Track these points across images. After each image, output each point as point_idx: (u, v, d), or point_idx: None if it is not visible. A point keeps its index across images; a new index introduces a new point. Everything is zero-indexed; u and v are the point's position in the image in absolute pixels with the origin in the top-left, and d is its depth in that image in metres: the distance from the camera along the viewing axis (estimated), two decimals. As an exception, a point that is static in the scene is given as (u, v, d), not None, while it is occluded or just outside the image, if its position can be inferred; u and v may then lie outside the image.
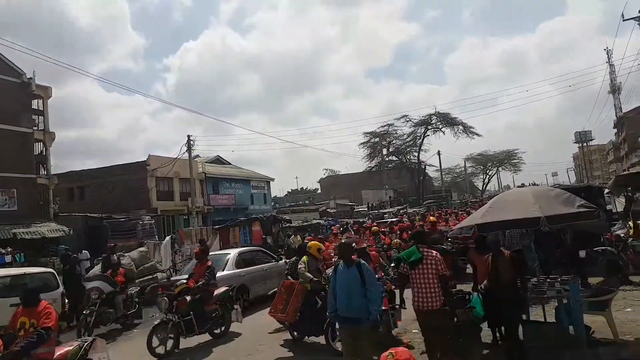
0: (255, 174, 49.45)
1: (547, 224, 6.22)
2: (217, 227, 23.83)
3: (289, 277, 8.98)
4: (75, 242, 22.99)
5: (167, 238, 19.21)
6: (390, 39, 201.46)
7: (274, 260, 13.75)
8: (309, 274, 8.00)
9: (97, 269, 15.06)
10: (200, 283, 9.23)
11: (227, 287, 9.93)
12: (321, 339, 8.07)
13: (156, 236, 23.19)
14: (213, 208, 38.27)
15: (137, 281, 15.00)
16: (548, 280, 6.87)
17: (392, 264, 9.49)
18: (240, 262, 12.68)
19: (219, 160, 46.68)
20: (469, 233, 7.24)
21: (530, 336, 6.74)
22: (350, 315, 5.50)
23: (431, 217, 16.39)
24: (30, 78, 25.09)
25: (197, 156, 39.52)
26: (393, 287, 8.25)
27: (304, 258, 8.38)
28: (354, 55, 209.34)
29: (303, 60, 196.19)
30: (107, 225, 24.60)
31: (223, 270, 11.70)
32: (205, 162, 41.66)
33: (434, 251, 6.06)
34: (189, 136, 30.65)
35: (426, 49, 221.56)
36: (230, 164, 48.58)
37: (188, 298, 8.93)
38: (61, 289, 11.73)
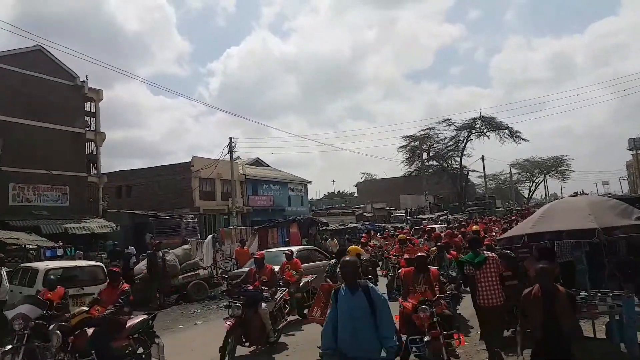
0: (292, 177, 49.85)
1: (603, 235, 6.02)
2: (256, 227, 24.24)
3: (328, 280, 9.00)
4: (122, 238, 23.83)
5: (209, 237, 19.64)
6: (432, 40, 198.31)
7: (327, 259, 14.05)
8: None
9: (142, 264, 15.62)
10: (107, 312, 6.94)
11: (145, 317, 7.54)
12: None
13: (198, 234, 23.71)
14: (252, 209, 38.88)
15: (180, 277, 15.47)
16: (599, 294, 6.63)
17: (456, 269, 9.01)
18: (300, 258, 12.92)
19: (258, 162, 47.34)
20: (519, 243, 7.02)
21: (578, 353, 6.52)
22: (356, 356, 4.23)
23: (474, 226, 15.83)
24: (84, 81, 26.13)
25: (238, 158, 40.20)
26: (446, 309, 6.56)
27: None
28: (394, 57, 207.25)
29: (341, 62, 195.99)
30: (153, 222, 25.34)
31: None
32: (245, 164, 42.35)
33: (494, 254, 6.96)
34: (230, 138, 31.22)
35: (469, 50, 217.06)
36: (269, 166, 49.19)
37: (89, 332, 6.65)
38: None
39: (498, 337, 6.46)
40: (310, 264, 13.38)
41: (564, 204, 7.90)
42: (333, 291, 4.48)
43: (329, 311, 4.56)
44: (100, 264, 13.36)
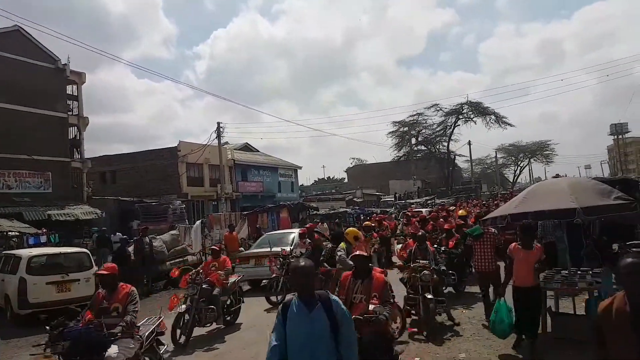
0: (282, 162, 49.73)
1: (583, 215, 6.11)
2: (245, 212, 24.20)
3: (325, 264, 9.03)
4: (107, 224, 23.65)
5: (198, 222, 19.55)
6: (423, 25, 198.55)
7: (327, 241, 14.13)
8: (350, 261, 8.09)
9: (129, 250, 15.53)
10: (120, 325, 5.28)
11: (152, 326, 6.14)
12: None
13: (186, 220, 23.62)
14: (241, 194, 38.69)
15: (168, 263, 15.40)
16: (579, 272, 6.74)
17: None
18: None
19: (247, 148, 47.06)
20: (502, 223, 7.16)
21: (558, 328, 6.66)
22: None
23: (460, 211, 15.75)
24: (65, 64, 25.65)
25: (227, 143, 39.99)
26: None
27: (342, 245, 8.60)
28: (386, 43, 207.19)
29: (333, 48, 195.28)
30: (139, 208, 25.17)
31: (291, 245, 13.33)
32: (234, 149, 42.08)
33: (492, 228, 7.89)
34: (218, 123, 30.98)
35: (459, 35, 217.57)
36: (258, 151, 48.98)
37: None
38: (95, 268, 12.13)
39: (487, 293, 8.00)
40: None
41: (546, 186, 8.02)
42: (281, 306, 3.39)
43: (271, 334, 3.38)
44: (85, 250, 13.24)
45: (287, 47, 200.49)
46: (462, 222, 12.22)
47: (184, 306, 8.11)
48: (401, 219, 17.21)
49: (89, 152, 29.41)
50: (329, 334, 3.21)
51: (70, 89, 27.38)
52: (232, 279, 9.50)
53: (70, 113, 26.72)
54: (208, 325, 8.67)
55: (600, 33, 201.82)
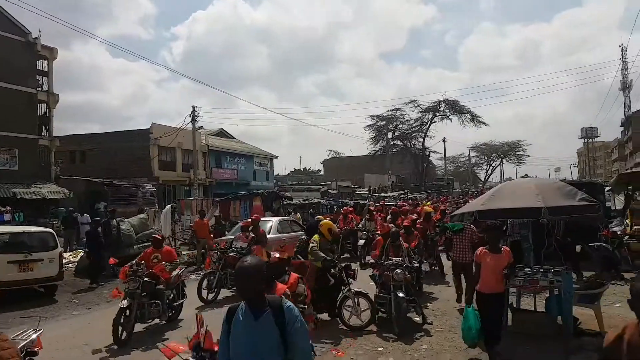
0: (259, 150, 49.37)
1: (548, 214, 6.25)
2: (217, 199, 23.95)
3: (299, 256, 8.96)
4: (75, 205, 23.14)
5: (168, 207, 19.25)
6: (406, 20, 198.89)
7: (303, 230, 14.35)
8: (321, 253, 8.13)
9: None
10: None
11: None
12: (323, 315, 8.25)
13: (156, 204, 23.27)
14: (215, 181, 38.31)
15: (135, 247, 15.17)
16: (542, 270, 6.91)
17: (439, 231, 11.56)
18: (280, 228, 15.06)
19: (222, 134, 46.49)
20: (469, 219, 7.28)
21: (519, 323, 6.84)
22: None
23: (425, 207, 15.39)
24: (36, 38, 24.87)
25: (201, 128, 39.42)
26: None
27: (316, 237, 8.49)
28: (368, 35, 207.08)
29: (315, 37, 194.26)
30: (108, 190, 24.70)
31: (269, 233, 13.48)
32: (209, 135, 41.56)
33: (471, 225, 8.43)
34: (193, 107, 30.47)
35: (441, 32, 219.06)
36: (234, 138, 48.46)
37: None
38: (59, 249, 11.87)
39: (467, 284, 8.48)
40: (291, 233, 14.92)
41: (513, 185, 8.18)
42: (226, 313, 2.94)
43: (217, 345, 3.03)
44: (50, 230, 12.93)
45: (268, 33, 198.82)
46: (416, 217, 12.19)
47: (125, 301, 7.48)
48: (366, 215, 17.08)
49: (58, 131, 28.74)
50: (278, 344, 2.77)
51: (40, 65, 26.62)
52: (176, 271, 8.82)
53: (39, 89, 25.98)
54: (149, 321, 8.08)
55: (577, 38, 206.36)
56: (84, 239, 15.83)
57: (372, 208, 18.91)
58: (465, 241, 8.80)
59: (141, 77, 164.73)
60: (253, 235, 10.75)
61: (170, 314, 8.60)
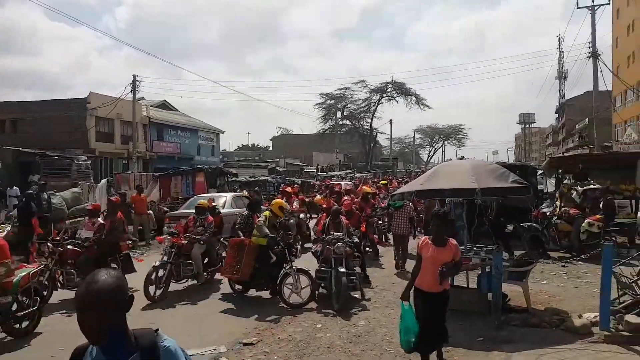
0: (204, 124, 48.11)
1: (481, 195, 6.46)
2: (157, 174, 23.22)
3: (240, 233, 8.84)
4: (3, 177, 21.77)
5: (103, 181, 18.52)
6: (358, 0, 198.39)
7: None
8: (266, 229, 8.08)
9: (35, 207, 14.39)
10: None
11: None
12: (263, 293, 8.27)
13: (92, 178, 22.26)
14: (156, 155, 37.13)
15: (67, 222, 14.53)
16: (474, 248, 7.16)
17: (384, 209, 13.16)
18: (234, 204, 15.45)
19: (165, 106, 44.79)
20: (409, 198, 7.45)
21: (452, 300, 7.06)
22: None
23: (364, 187, 15.67)
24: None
25: (142, 98, 38.00)
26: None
27: (266, 213, 8.58)
28: (321, 12, 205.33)
29: (267, 10, 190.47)
30: (40, 161, 23.36)
31: (223, 208, 14.04)
32: (151, 106, 40.05)
33: (410, 203, 9.89)
34: (134, 76, 29.31)
35: (392, 14, 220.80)
36: (177, 110, 46.95)
37: None
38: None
39: (403, 250, 10.37)
40: (244, 209, 14.67)
41: (450, 166, 8.44)
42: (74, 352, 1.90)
43: None
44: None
45: (218, 2, 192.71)
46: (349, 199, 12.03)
47: None
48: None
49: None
50: None
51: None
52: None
53: (-37, 51, 24.00)
54: None
55: (520, 26, 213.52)
56: (11, 214, 14.93)
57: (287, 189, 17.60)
58: (404, 216, 10.36)
59: (82, 44, 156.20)
60: (102, 222, 8.89)
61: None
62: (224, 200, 15.21)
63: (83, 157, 23.57)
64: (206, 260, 9.26)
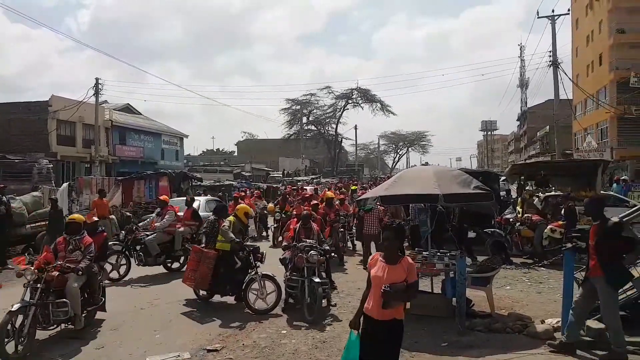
0: (168, 128, 47.46)
1: (444, 201, 6.57)
2: (120, 178, 22.72)
3: (205, 236, 8.73)
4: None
5: (65, 185, 18.00)
6: (325, 4, 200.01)
7: None
8: (231, 234, 7.97)
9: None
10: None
11: None
12: (228, 299, 8.18)
13: (53, 182, 21.61)
14: (119, 159, 36.47)
15: (28, 226, 14.07)
16: (438, 253, 7.27)
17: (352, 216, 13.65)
18: (208, 207, 15.47)
19: (128, 109, 43.99)
20: (373, 203, 7.51)
21: (417, 306, 7.15)
22: None
23: (327, 192, 15.40)
24: None
25: (105, 102, 37.26)
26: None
27: (231, 218, 8.41)
28: (287, 17, 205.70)
29: (232, 13, 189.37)
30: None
31: (198, 210, 13.73)
32: (114, 110, 39.25)
33: (381, 207, 10.45)
34: (97, 79, 28.76)
35: (358, 20, 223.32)
36: (141, 114, 46.13)
37: None
38: None
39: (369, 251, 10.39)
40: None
41: (414, 171, 8.55)
42: None
43: None
44: None
45: (183, 6, 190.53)
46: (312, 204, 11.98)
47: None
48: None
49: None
50: None
51: None
52: None
53: None
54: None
55: (482, 34, 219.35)
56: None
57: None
58: (373, 218, 11.08)
59: (43, 45, 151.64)
60: None
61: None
62: (197, 204, 14.95)
63: (44, 161, 22.91)
64: (85, 295, 6.98)
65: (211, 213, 13.89)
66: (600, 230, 5.43)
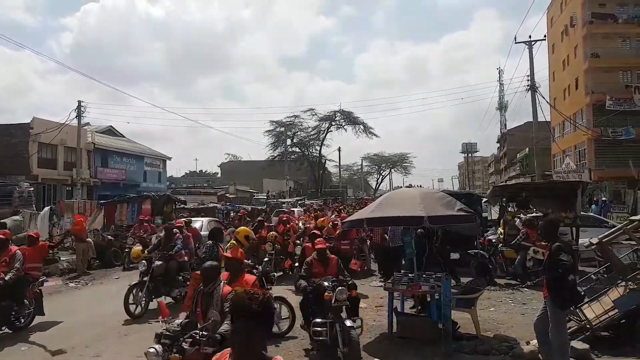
0: (150, 151, 47.17)
1: (429, 223, 6.64)
2: (102, 201, 22.45)
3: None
4: None
5: (46, 209, 17.80)
6: (306, 29, 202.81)
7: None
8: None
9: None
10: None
11: None
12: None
13: (34, 205, 21.30)
14: (100, 181, 36.02)
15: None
16: (424, 276, 7.32)
17: None
18: (210, 228, 15.08)
19: (111, 132, 43.72)
20: (360, 226, 7.53)
21: (402, 327, 7.17)
22: None
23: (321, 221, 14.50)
24: None
25: (88, 124, 36.99)
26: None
27: (231, 242, 8.41)
28: (268, 40, 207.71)
29: (214, 37, 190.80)
30: (-22, 188, 22.15)
31: (201, 231, 14.11)
32: (96, 132, 38.97)
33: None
34: (79, 102, 28.58)
35: (339, 45, 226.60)
36: (123, 136, 45.83)
37: None
38: None
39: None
40: None
41: (399, 194, 8.57)
42: None
43: None
44: None
45: (165, 29, 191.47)
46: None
47: None
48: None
49: None
50: None
51: None
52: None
53: None
54: None
55: (461, 58, 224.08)
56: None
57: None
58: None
59: (24, 67, 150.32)
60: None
61: None
62: (200, 225, 15.34)
63: (25, 184, 22.62)
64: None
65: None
66: (548, 252, 5.61)
